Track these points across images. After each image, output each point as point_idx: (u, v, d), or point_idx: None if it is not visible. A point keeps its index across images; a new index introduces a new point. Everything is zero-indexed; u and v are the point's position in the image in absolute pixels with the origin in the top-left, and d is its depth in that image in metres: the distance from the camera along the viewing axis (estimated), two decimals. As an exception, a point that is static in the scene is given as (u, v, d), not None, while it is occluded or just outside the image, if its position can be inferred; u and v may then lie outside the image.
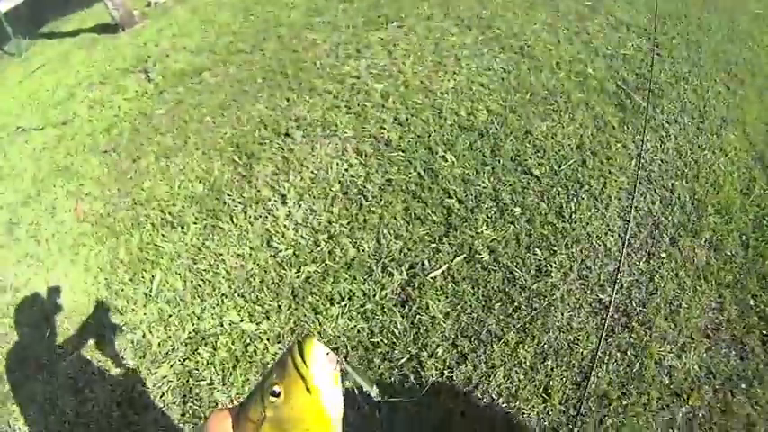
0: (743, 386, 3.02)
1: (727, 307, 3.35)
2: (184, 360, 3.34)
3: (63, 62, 7.66)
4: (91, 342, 3.56)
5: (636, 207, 3.88)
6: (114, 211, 4.48)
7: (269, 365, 2.99)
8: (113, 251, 4.11)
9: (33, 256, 4.29)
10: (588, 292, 3.40)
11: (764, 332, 3.23)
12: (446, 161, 4.28)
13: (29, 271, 4.18)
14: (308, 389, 1.00)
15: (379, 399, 1.25)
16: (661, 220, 3.82)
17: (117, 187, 4.70)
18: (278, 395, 1.00)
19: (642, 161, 4.21)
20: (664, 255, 3.60)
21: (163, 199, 4.42)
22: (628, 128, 4.53)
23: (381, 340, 3.22)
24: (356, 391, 0.92)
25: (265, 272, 3.68)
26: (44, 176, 5.10)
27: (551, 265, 3.50)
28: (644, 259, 3.58)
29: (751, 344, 3.18)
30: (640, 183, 4.04)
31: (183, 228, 4.12)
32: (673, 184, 4.05)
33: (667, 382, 3.03)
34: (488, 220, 3.82)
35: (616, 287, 3.36)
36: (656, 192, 4.00)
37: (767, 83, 5.27)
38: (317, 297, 3.47)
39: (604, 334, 3.20)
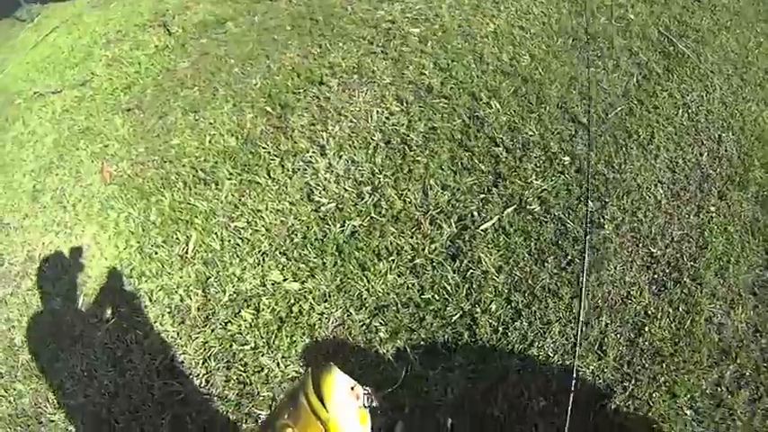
0: (788, 348, 2.98)
1: (773, 265, 3.28)
2: (226, 324, 3.22)
3: (77, 23, 7.40)
4: (126, 310, 3.44)
5: (684, 157, 3.77)
6: (142, 170, 4.31)
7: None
8: (144, 213, 3.96)
9: (60, 222, 4.14)
10: (640, 245, 3.30)
11: (808, 292, 3.17)
12: (491, 108, 4.13)
13: (57, 239, 4.03)
14: None
15: None
16: (709, 172, 3.72)
17: (144, 146, 4.52)
18: None
19: (689, 111, 4.08)
20: (713, 208, 3.52)
21: (194, 155, 4.25)
22: (673, 76, 4.37)
23: (433, 296, 3.12)
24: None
25: (308, 227, 3.54)
26: (66, 140, 4.92)
27: (603, 217, 3.41)
28: (694, 212, 3.49)
29: (796, 304, 3.13)
30: (687, 133, 3.92)
31: (216, 184, 3.96)
32: (720, 136, 3.94)
33: (717, 339, 2.98)
34: (538, 169, 3.70)
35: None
36: (703, 143, 3.89)
37: (808, 35, 5.12)
38: (364, 252, 3.35)
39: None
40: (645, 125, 3.95)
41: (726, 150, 3.85)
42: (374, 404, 0.90)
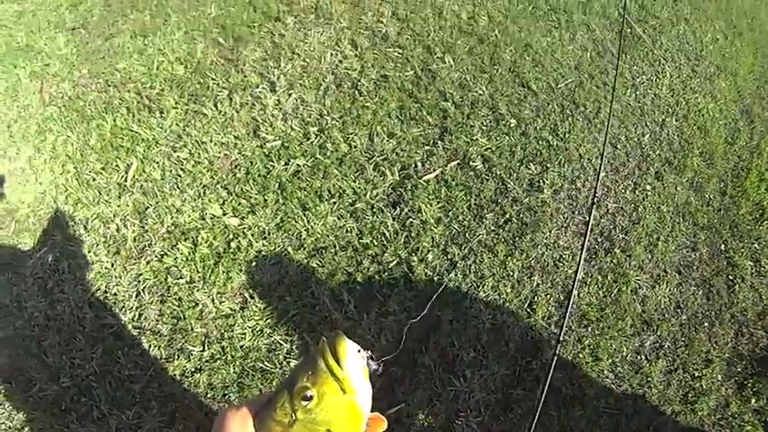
0: (706, 325, 3.16)
1: (700, 248, 3.47)
2: (162, 256, 3.12)
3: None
4: (60, 238, 3.27)
5: (627, 135, 3.88)
6: (84, 93, 4.08)
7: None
8: (84, 137, 3.76)
9: (-7, 144, 3.93)
10: (576, 212, 3.40)
11: (730, 277, 3.38)
12: (444, 63, 4.13)
13: (-11, 161, 3.81)
14: (343, 390, 0.97)
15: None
16: (649, 153, 3.86)
17: (87, 68, 4.29)
18: (310, 399, 0.96)
19: (637, 92, 4.20)
20: (649, 187, 3.66)
21: (140, 81, 4.06)
22: (626, 56, 4.47)
23: (371, 241, 3.12)
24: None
25: (251, 163, 3.47)
26: (3, 56, 4.63)
27: (543, 182, 3.48)
28: (630, 188, 3.63)
29: (717, 286, 3.32)
30: (632, 113, 4.03)
31: (161, 113, 3.81)
32: (663, 120, 4.10)
33: (640, 310, 3.13)
34: (484, 128, 3.74)
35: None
36: (647, 124, 4.02)
37: (763, 39, 5.34)
38: (306, 192, 3.31)
39: (586, 255, 3.23)
40: (593, 99, 4.03)
41: (667, 135, 4.00)
42: (375, 366, 1.04)
